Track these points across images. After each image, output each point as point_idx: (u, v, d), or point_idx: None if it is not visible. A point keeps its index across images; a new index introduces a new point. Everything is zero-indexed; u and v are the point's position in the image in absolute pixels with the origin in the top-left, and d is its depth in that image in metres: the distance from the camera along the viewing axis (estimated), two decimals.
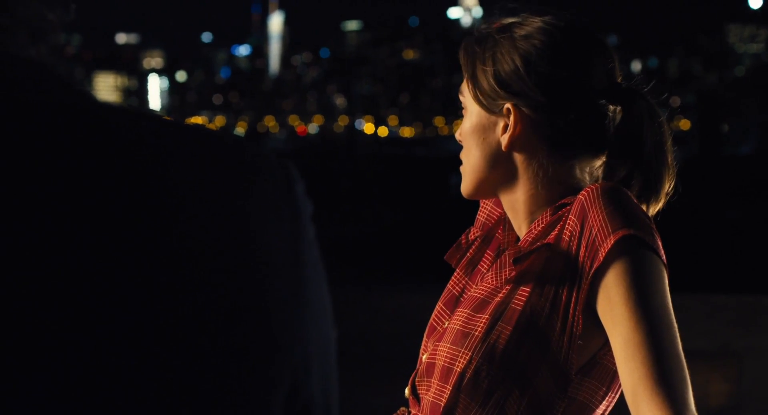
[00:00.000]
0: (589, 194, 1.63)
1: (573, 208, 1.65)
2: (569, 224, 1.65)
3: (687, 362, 1.57)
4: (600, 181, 1.75)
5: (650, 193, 1.74)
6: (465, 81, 1.80)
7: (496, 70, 1.74)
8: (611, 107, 1.74)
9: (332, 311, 0.82)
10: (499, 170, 1.76)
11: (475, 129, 1.78)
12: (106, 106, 0.77)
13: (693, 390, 1.56)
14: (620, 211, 1.60)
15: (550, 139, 1.73)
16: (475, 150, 1.77)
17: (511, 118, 1.73)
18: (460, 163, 1.81)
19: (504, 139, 1.74)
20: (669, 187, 1.76)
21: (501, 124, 1.75)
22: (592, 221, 1.61)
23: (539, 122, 1.72)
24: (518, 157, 1.75)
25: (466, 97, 1.79)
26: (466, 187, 1.80)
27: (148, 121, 0.76)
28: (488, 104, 1.76)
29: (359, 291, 10.86)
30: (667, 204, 1.77)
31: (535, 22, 1.75)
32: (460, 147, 1.83)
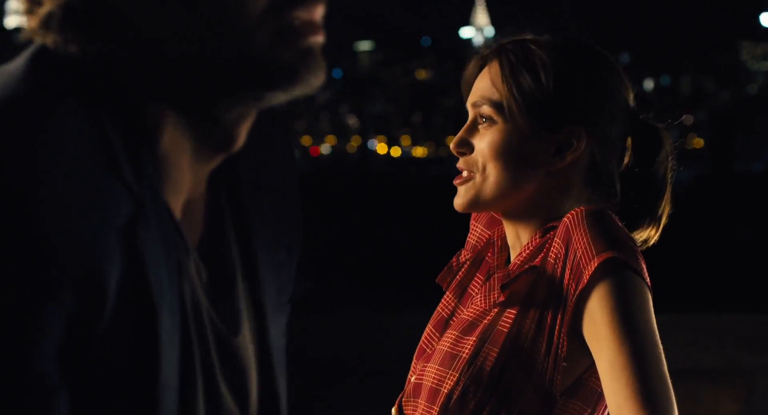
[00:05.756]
0: (573, 217, 1.65)
1: (558, 231, 1.67)
2: (554, 246, 1.66)
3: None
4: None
5: (652, 218, 1.78)
6: (501, 95, 1.71)
7: (560, 88, 1.70)
8: (628, 138, 1.78)
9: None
10: (528, 191, 1.72)
11: (519, 146, 1.71)
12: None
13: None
14: (604, 234, 1.62)
15: (589, 165, 1.74)
16: (512, 169, 1.70)
17: (579, 138, 1.71)
18: (457, 173, 1.75)
19: (562, 160, 1.71)
20: (668, 210, 1.79)
21: (555, 144, 1.71)
22: (576, 244, 1.62)
23: (587, 146, 1.72)
24: (555, 181, 1.73)
25: (507, 109, 1.71)
26: (477, 201, 1.73)
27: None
28: (544, 122, 1.70)
29: (369, 311, 10.86)
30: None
31: (571, 44, 1.74)
32: None
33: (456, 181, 1.76)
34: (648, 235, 1.78)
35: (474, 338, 1.69)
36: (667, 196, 1.79)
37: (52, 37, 0.89)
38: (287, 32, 0.89)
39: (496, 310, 1.70)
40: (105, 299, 0.81)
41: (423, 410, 1.71)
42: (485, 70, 1.76)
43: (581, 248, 1.62)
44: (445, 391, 1.67)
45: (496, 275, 1.77)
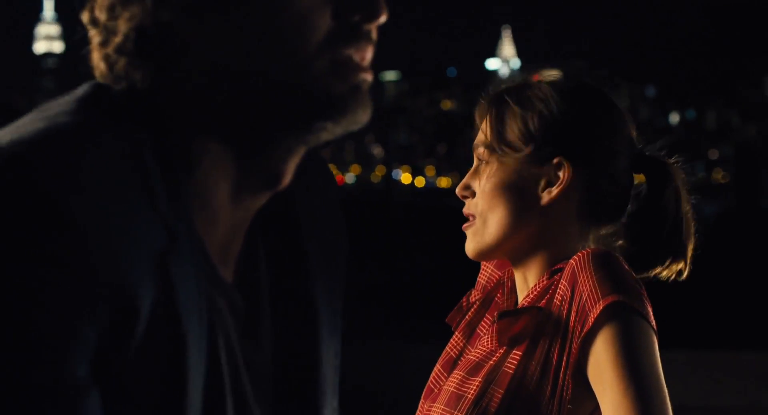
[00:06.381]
0: (579, 260, 1.65)
1: (564, 273, 1.67)
2: (560, 288, 1.67)
3: None
4: (594, 246, 1.76)
5: (676, 254, 1.78)
6: (489, 135, 1.76)
7: (546, 125, 1.73)
8: (635, 175, 1.78)
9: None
10: (527, 230, 1.74)
11: (509, 184, 1.74)
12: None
13: None
14: (610, 277, 1.62)
15: (585, 200, 1.75)
16: (505, 207, 1.73)
17: (564, 171, 1.72)
18: (464, 220, 1.79)
19: (549, 193, 1.73)
20: (691, 243, 1.79)
21: (543, 179, 1.74)
22: (582, 286, 1.63)
23: (579, 180, 1.74)
24: (550, 217, 1.74)
25: (493, 147, 1.75)
26: (483, 247, 1.76)
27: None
28: (531, 156, 1.73)
29: (390, 343, 10.83)
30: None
31: (565, 84, 1.77)
32: None
33: (464, 226, 1.79)
34: (677, 269, 1.78)
35: (480, 379, 1.69)
36: (687, 229, 1.78)
37: (123, 61, 0.95)
38: (341, 67, 0.95)
39: (502, 351, 1.70)
40: (137, 318, 0.88)
41: None
42: (486, 117, 1.80)
43: (587, 290, 1.62)
44: None
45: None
